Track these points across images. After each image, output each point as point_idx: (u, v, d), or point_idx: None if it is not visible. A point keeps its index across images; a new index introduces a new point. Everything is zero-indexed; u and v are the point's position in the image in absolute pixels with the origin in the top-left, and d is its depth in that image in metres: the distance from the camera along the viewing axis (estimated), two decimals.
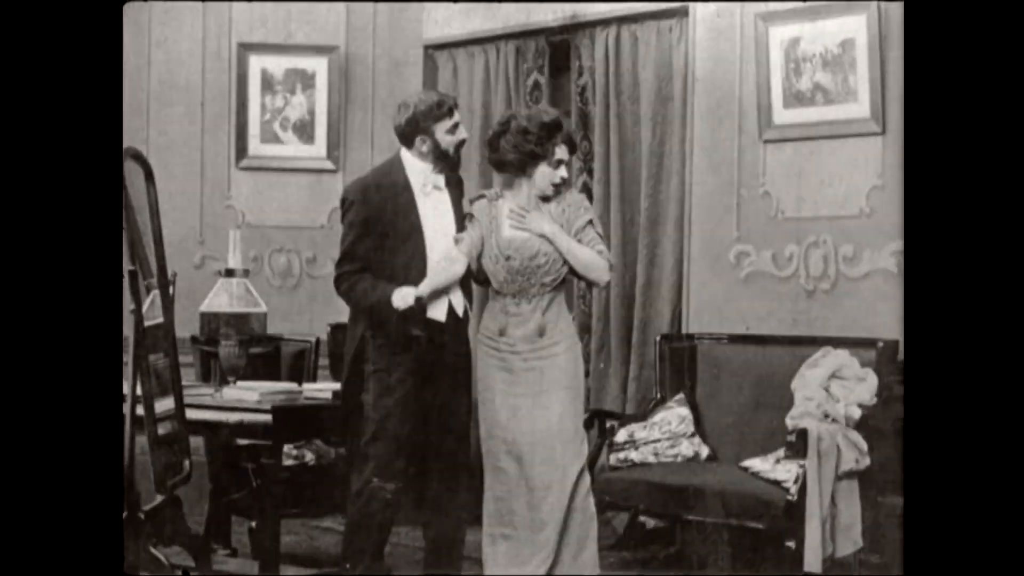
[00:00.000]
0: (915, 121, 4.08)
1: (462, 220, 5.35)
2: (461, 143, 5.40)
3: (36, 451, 3.95)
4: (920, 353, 4.00)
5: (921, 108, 4.06)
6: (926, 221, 4.02)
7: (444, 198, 5.38)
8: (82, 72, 4.07)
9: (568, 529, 5.09)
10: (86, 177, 4.06)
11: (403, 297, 5.15)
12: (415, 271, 5.26)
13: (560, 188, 5.24)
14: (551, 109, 5.37)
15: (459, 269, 5.26)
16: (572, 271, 5.20)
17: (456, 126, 5.37)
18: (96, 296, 4.04)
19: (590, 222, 5.24)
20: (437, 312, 5.31)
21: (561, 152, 5.21)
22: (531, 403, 5.14)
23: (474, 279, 5.36)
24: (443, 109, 5.34)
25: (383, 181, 5.37)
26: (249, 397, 5.55)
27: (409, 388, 5.29)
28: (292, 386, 5.90)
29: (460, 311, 5.36)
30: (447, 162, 5.38)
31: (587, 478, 5.17)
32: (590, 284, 5.38)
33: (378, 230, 5.30)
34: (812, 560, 5.60)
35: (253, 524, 6.03)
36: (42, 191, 4.01)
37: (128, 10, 7.93)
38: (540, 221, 5.18)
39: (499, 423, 5.16)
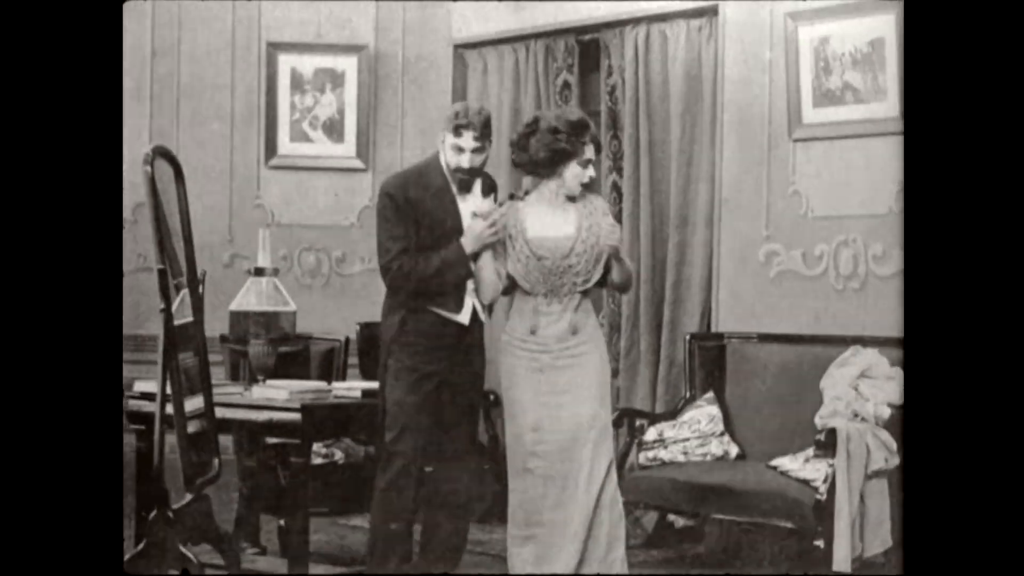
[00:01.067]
0: (914, 121, 4.08)
1: None
2: (458, 169, 5.30)
3: (36, 452, 3.96)
4: (921, 353, 4.00)
5: (922, 108, 4.07)
6: (928, 221, 4.01)
7: (478, 201, 5.36)
8: (83, 72, 4.07)
9: (596, 528, 5.09)
10: (86, 176, 4.06)
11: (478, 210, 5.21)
12: None
13: (587, 187, 5.26)
14: (577, 109, 5.39)
15: (497, 290, 5.28)
16: (604, 280, 5.21)
17: (460, 150, 5.27)
18: (96, 294, 4.05)
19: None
20: (463, 316, 5.32)
21: (589, 151, 5.23)
22: (562, 401, 5.14)
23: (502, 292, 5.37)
24: (450, 124, 5.27)
25: (420, 180, 5.35)
26: (278, 396, 5.56)
27: (433, 386, 5.30)
28: (321, 385, 5.91)
29: (483, 316, 5.40)
30: (452, 176, 5.33)
31: (615, 476, 5.16)
32: (620, 291, 5.40)
33: (420, 221, 5.28)
34: (841, 559, 5.59)
35: (282, 522, 6.05)
36: (42, 191, 4.02)
37: (157, 9, 7.98)
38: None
39: (528, 423, 5.16)
